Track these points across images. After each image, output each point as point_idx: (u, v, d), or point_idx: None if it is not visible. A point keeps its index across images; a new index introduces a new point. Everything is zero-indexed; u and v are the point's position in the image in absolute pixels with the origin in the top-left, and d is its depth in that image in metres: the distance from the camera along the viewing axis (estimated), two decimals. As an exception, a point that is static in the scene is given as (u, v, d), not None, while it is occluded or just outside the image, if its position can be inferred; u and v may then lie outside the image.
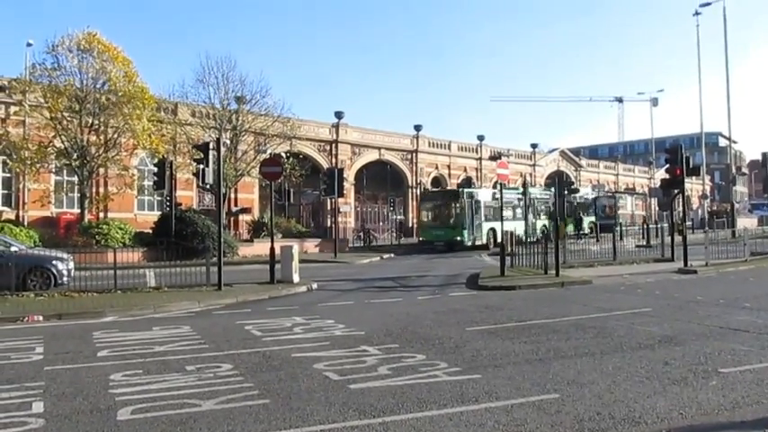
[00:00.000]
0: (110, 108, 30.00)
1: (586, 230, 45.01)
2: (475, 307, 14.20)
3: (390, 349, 9.53)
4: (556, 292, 16.89)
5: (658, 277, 19.90)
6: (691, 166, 23.29)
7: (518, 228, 34.90)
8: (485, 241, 35.87)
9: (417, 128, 55.62)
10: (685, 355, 8.81)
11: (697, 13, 51.12)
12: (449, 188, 50.51)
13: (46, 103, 29.00)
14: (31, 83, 29.85)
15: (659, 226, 32.98)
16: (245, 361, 8.92)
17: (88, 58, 29.67)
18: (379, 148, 52.39)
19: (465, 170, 59.73)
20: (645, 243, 33.35)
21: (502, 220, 24.96)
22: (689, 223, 38.64)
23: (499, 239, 34.18)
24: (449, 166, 58.28)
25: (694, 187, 73.30)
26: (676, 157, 22.90)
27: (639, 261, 24.82)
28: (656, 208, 61.22)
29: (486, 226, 36.11)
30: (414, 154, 54.91)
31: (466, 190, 37.76)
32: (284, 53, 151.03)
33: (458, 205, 35.27)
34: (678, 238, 24.48)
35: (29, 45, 32.26)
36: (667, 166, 24.41)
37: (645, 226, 40.34)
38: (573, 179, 69.15)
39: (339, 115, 48.89)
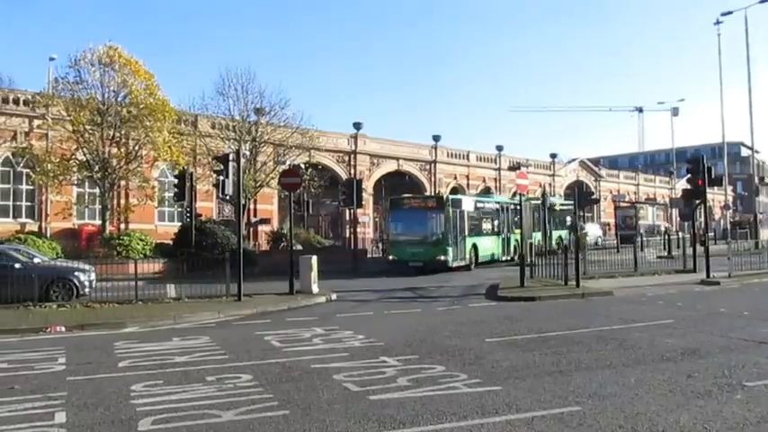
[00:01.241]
0: (131, 121, 30.34)
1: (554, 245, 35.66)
2: (494, 318, 14.13)
3: (410, 360, 9.51)
4: (576, 304, 16.76)
5: (680, 288, 19.68)
6: (712, 176, 23.08)
7: (493, 243, 32.56)
8: (467, 261, 29.21)
9: (436, 138, 55.61)
10: (709, 367, 8.69)
11: (718, 23, 50.70)
12: (427, 193, 43.27)
13: (68, 116, 29.41)
14: (54, 96, 30.31)
15: (681, 236, 32.65)
16: (265, 372, 8.94)
17: (110, 72, 30.04)
18: (398, 159, 52.44)
19: (484, 180, 59.58)
20: (666, 254, 33.03)
21: (521, 229, 24.73)
22: (711, 234, 38.24)
23: (481, 257, 30.58)
24: (467, 177, 58.17)
25: (716, 197, 72.50)
26: (698, 167, 22.70)
27: (661, 272, 24.56)
28: (678, 218, 60.63)
29: (468, 242, 29.48)
30: (432, 164, 54.89)
31: (452, 197, 31.23)
32: (303, 65, 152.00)
33: (442, 215, 27.91)
34: (700, 249, 24.22)
35: (52, 59, 32.84)
36: (689, 176, 24.19)
37: (666, 237, 39.91)
38: (593, 189, 68.80)
39: (358, 126, 49.00)
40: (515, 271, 21.61)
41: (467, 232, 29.42)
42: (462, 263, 28.59)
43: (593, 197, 40.02)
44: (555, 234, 38.41)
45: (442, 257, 27.29)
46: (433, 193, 44.70)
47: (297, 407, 7.13)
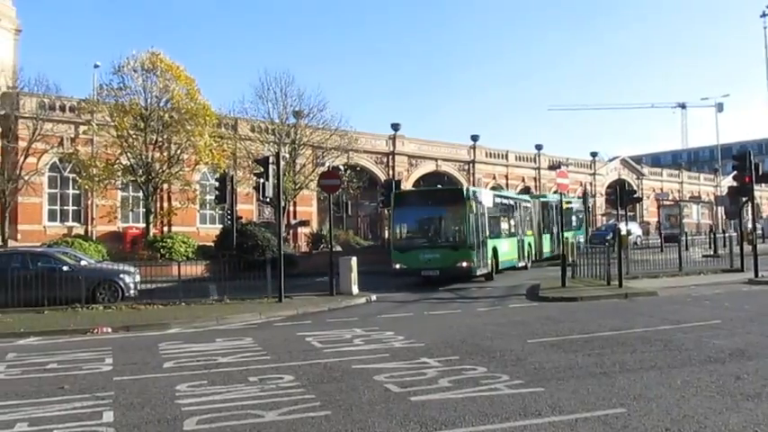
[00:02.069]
0: (173, 125, 30.89)
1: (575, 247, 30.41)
2: (536, 318, 14.00)
3: (451, 361, 9.47)
4: (619, 304, 16.49)
5: (727, 288, 19.23)
6: (760, 172, 22.50)
7: (511, 246, 27.51)
8: (489, 267, 23.83)
9: (474, 138, 55.41)
10: (759, 369, 8.47)
11: (765, 15, 49.52)
12: (441, 186, 35.61)
13: (113, 121, 30.07)
14: (98, 103, 31.07)
15: (727, 235, 31.88)
16: (307, 372, 9.00)
17: (152, 78, 30.67)
18: (436, 160, 52.38)
19: (523, 180, 59.17)
20: (712, 253, 32.31)
21: (563, 228, 24.26)
22: (759, 232, 37.23)
23: (501, 264, 25.58)
24: (506, 176, 57.83)
25: (764, 194, 70.79)
26: (745, 163, 22.15)
27: (707, 272, 24.03)
28: (723, 216, 59.23)
29: (489, 245, 24.07)
30: (471, 165, 54.71)
31: (473, 189, 25.34)
32: (341, 66, 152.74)
33: (463, 212, 22.29)
34: (747, 248, 23.65)
35: (96, 66, 33.58)
36: (735, 173, 23.64)
37: (712, 235, 39.04)
38: (635, 188, 67.67)
39: (396, 127, 49.10)
40: (555, 271, 21.40)
41: (487, 233, 24.01)
42: (485, 270, 23.48)
43: (635, 196, 38.53)
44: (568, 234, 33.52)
45: (465, 264, 22.00)
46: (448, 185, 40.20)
47: (339, 407, 7.16)
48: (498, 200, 27.80)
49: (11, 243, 29.02)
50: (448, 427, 6.35)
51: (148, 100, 30.65)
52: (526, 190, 57.11)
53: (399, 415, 6.78)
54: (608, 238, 36.35)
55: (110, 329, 13.99)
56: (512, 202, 29.65)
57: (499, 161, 57.82)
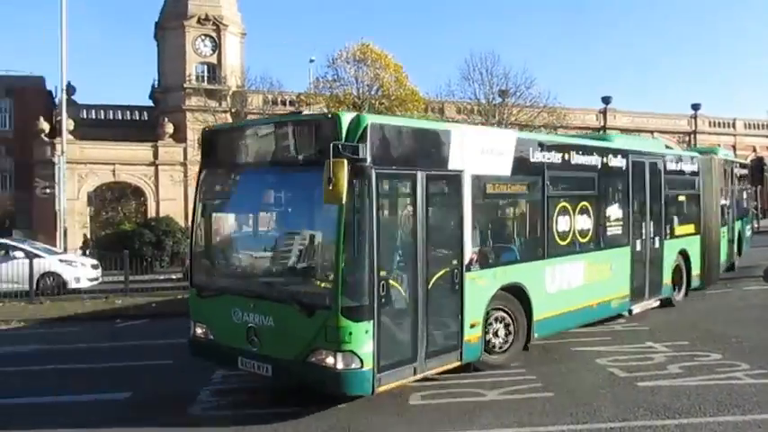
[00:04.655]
0: (384, 112, 31.94)
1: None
2: (777, 303, 12.72)
3: (679, 347, 8.92)
4: None
5: None
6: None
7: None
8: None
9: (695, 107, 51.25)
10: None
11: None
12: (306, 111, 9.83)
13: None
14: (315, 95, 32.97)
15: None
16: (526, 353, 8.89)
17: (363, 68, 31.88)
18: (652, 132, 49.09)
19: (754, 150, 53.45)
20: None
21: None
22: None
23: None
24: (734, 147, 52.64)
25: None
26: None
27: None
28: None
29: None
30: (692, 136, 50.67)
31: (375, 121, 6.55)
32: (547, 42, 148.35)
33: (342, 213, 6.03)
34: None
35: (311, 61, 35.88)
36: None
37: None
38: None
39: (606, 100, 47.01)
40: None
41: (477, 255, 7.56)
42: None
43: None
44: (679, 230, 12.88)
45: (331, 358, 6.10)
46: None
47: (560, 390, 7.04)
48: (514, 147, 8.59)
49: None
50: (682, 416, 6.03)
51: (360, 89, 31.94)
52: (758, 162, 51.68)
53: (627, 401, 6.56)
54: None
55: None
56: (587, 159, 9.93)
57: (725, 130, 52.86)
